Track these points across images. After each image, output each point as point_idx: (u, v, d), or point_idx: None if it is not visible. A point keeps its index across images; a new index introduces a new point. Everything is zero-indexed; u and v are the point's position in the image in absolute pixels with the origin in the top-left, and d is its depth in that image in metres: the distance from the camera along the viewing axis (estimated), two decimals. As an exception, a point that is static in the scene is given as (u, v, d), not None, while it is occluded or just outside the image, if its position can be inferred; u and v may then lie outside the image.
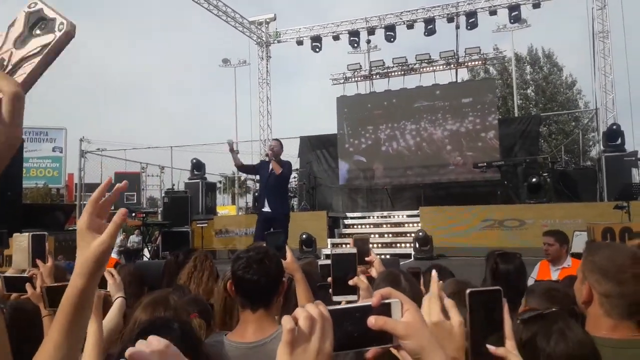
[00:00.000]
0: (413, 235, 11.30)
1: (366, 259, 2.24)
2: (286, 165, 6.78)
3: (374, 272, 2.27)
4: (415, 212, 12.64)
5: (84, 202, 15.69)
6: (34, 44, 0.60)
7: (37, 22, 0.62)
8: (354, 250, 1.61)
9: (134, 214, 11.64)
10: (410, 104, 15.46)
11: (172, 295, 2.01)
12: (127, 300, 2.62)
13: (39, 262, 2.32)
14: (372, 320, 0.66)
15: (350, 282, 1.53)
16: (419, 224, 11.81)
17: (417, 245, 10.81)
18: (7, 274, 2.31)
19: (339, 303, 1.47)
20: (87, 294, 0.86)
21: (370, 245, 2.43)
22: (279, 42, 18.76)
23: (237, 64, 20.62)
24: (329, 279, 1.56)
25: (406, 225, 12.69)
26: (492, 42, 24.08)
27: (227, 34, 57.04)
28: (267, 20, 18.55)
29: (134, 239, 13.96)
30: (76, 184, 16.11)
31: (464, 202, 12.26)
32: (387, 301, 0.69)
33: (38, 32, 0.61)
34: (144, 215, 12.17)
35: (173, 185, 15.66)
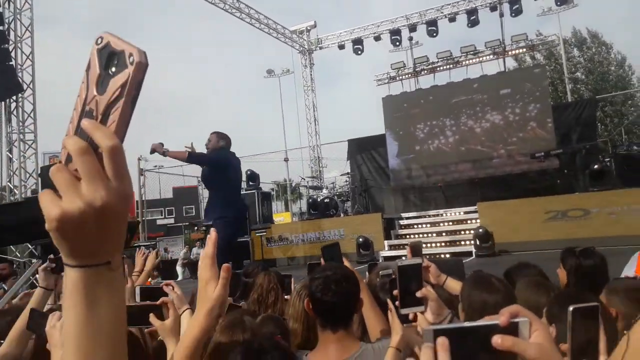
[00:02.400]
0: (472, 232, 11.12)
1: (422, 265, 2.24)
2: (207, 158, 5.58)
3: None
4: (472, 208, 12.38)
5: (146, 218, 16.39)
6: (113, 85, 0.55)
7: (109, 58, 0.57)
8: (419, 260, 1.56)
9: (196, 227, 12.07)
10: (459, 97, 15.23)
11: (246, 316, 2.00)
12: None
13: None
14: (499, 340, 0.61)
15: (419, 294, 1.48)
16: (478, 220, 11.61)
17: (478, 243, 10.63)
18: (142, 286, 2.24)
19: (407, 316, 1.50)
20: (208, 334, 1.09)
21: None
22: (320, 48, 18.94)
23: (281, 74, 20.93)
24: (395, 292, 1.52)
25: (464, 222, 12.48)
26: (535, 28, 23.26)
27: (270, 46, 58.03)
28: (308, 27, 18.76)
29: (197, 251, 14.45)
30: (137, 201, 16.84)
31: (522, 194, 11.93)
32: (515, 320, 0.64)
33: (113, 69, 0.56)
34: (205, 227, 12.59)
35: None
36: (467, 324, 0.65)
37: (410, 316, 1.50)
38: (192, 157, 5.32)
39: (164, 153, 5.32)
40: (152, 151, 5.52)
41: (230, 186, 5.68)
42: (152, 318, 1.61)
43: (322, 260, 2.54)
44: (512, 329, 0.63)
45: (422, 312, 1.50)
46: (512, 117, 14.41)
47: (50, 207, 0.52)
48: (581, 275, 2.71)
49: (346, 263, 2.57)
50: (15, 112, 11.23)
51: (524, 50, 16.56)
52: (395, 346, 1.63)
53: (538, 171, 13.51)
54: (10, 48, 11.02)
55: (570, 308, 1.07)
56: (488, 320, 0.64)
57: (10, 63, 10.77)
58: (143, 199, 16.40)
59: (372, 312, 2.08)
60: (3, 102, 11.08)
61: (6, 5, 11.46)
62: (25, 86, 11.25)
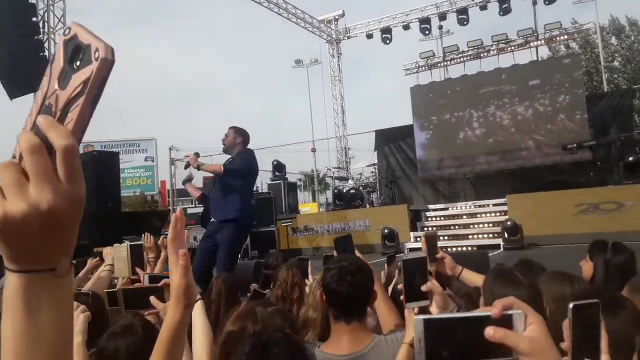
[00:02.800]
0: (501, 225, 10.93)
1: (437, 256, 2.19)
2: (236, 162, 5.36)
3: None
4: (502, 200, 12.12)
5: (177, 207, 16.72)
6: (75, 80, 0.52)
7: (75, 52, 0.53)
8: (424, 254, 1.55)
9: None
10: (488, 86, 14.93)
11: (259, 307, 2.02)
12: (218, 310, 2.70)
13: (138, 270, 2.51)
14: (491, 332, 0.60)
15: (424, 288, 1.47)
16: (507, 213, 11.40)
17: (506, 235, 10.44)
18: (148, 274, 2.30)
19: (412, 310, 1.50)
20: (182, 325, 1.00)
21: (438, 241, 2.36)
22: (348, 38, 18.82)
23: (309, 64, 20.96)
24: (400, 286, 1.51)
25: (492, 214, 12.28)
26: (570, 16, 22.60)
27: (298, 35, 58.32)
28: (336, 17, 18.63)
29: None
30: (168, 190, 17.21)
31: (553, 187, 11.65)
32: (508, 312, 0.62)
33: (78, 64, 0.53)
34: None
35: (257, 187, 16.24)
36: (458, 314, 0.65)
37: (416, 310, 1.49)
38: (227, 171, 5.21)
39: (199, 167, 5.37)
40: (187, 166, 5.63)
41: (248, 192, 5.64)
42: (154, 300, 1.60)
43: (334, 252, 2.56)
44: (505, 321, 0.61)
45: (427, 306, 1.49)
46: (544, 107, 14.07)
47: None
48: (610, 270, 2.64)
49: (358, 255, 2.62)
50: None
51: (559, 39, 16.08)
52: (409, 342, 1.61)
53: (570, 163, 13.16)
54: (44, 39, 11.34)
55: (571, 305, 1.04)
56: (481, 311, 0.63)
57: (44, 54, 11.09)
58: (174, 188, 16.72)
59: (384, 305, 2.06)
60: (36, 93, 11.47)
61: (39, -3, 11.78)
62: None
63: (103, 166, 11.57)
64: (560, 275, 2.09)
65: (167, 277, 1.77)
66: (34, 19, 11.15)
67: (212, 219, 5.41)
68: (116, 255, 2.83)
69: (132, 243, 2.70)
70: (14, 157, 0.53)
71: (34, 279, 0.51)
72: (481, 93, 14.92)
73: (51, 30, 11.90)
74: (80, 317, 1.59)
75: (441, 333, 0.61)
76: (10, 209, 0.48)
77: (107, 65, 0.52)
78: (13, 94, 10.93)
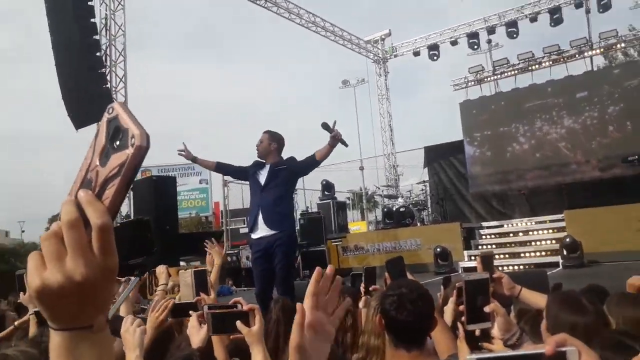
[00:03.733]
0: (559, 242, 10.51)
1: (493, 276, 2.11)
2: (290, 164, 4.92)
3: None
4: (559, 216, 11.66)
5: (230, 227, 17.14)
6: (114, 161, 0.55)
7: (115, 132, 0.56)
8: (487, 275, 1.54)
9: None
10: (541, 99, 14.52)
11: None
12: (277, 339, 2.71)
13: (202, 295, 2.62)
14: None
15: (487, 309, 1.44)
16: (565, 229, 10.96)
17: (565, 253, 10.02)
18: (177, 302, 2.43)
19: (473, 332, 1.48)
20: None
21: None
22: (395, 56, 18.87)
23: (356, 84, 21.14)
24: (461, 307, 1.49)
25: (550, 231, 11.83)
26: (626, 22, 21.68)
27: (344, 57, 58.91)
28: (382, 37, 18.77)
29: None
30: (222, 211, 17.65)
31: (614, 201, 11.09)
32: (562, 349, 0.61)
33: (117, 144, 0.55)
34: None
35: (307, 207, 16.44)
36: (511, 352, 0.68)
37: (477, 332, 1.48)
38: (300, 169, 4.97)
39: (194, 160, 5.07)
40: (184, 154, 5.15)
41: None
42: (239, 324, 1.63)
43: (387, 275, 2.54)
44: (559, 359, 0.61)
45: (489, 329, 1.47)
46: (601, 118, 13.49)
47: (33, 276, 0.55)
48: None
49: (410, 277, 2.55)
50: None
51: (616, 47, 15.47)
52: None
53: (631, 176, 12.51)
54: (106, 72, 12.08)
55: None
56: (533, 348, 0.64)
57: (107, 86, 11.81)
58: (227, 208, 17.15)
59: (440, 330, 1.99)
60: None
61: (103, 32, 12.59)
62: (119, 107, 12.27)
63: (161, 190, 12.06)
64: (631, 297, 2.00)
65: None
66: (98, 53, 11.91)
67: (257, 233, 4.81)
68: (182, 280, 2.94)
69: (196, 269, 2.82)
70: (48, 229, 0.58)
71: (74, 336, 0.56)
72: (532, 106, 14.52)
73: (113, 63, 12.66)
74: (137, 332, 1.67)
75: None
76: (47, 279, 0.54)
77: (142, 152, 0.54)
78: (79, 124, 11.66)
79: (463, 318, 1.48)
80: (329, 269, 0.86)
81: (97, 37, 12.02)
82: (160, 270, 3.44)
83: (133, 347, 1.65)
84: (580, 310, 1.76)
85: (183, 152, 5.12)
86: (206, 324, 1.93)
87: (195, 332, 1.95)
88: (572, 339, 0.63)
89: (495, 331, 1.45)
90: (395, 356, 1.80)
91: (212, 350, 1.95)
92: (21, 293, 3.48)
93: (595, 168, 13.39)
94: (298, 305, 0.86)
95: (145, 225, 8.47)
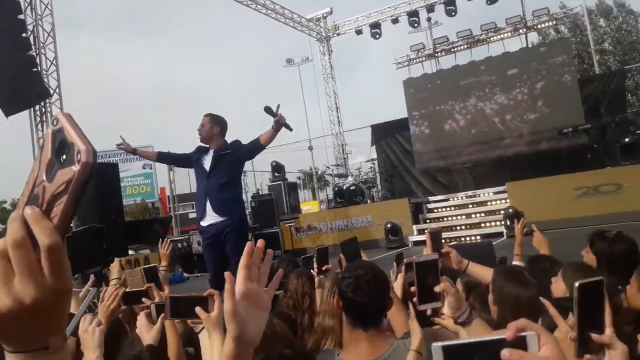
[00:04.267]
0: (502, 212, 11.05)
1: (442, 251, 2.19)
2: (235, 148, 4.81)
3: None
4: (501, 187, 12.27)
5: (178, 213, 16.75)
6: (60, 177, 0.52)
7: (61, 146, 0.53)
8: (436, 256, 1.55)
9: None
10: (480, 75, 15.04)
11: (275, 320, 2.01)
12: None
13: (152, 286, 2.55)
14: (507, 354, 0.61)
15: (437, 289, 1.47)
16: (507, 200, 11.52)
17: (509, 223, 10.55)
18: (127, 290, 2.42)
19: (425, 311, 1.51)
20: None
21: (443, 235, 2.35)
22: (338, 34, 18.86)
23: (300, 62, 20.99)
24: (412, 288, 1.50)
25: (493, 202, 12.40)
26: (558, 1, 22.72)
27: (287, 35, 58.38)
28: (324, 15, 18.67)
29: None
30: (168, 196, 17.19)
31: (552, 172, 11.76)
32: (522, 334, 0.64)
33: (63, 158, 0.53)
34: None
35: (258, 189, 16.31)
36: (474, 339, 0.66)
37: (429, 311, 1.51)
38: (249, 152, 4.92)
39: (134, 152, 5.14)
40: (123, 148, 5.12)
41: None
42: (199, 310, 1.60)
43: (341, 256, 2.62)
44: (520, 343, 0.63)
45: (440, 307, 1.50)
46: (536, 92, 14.17)
47: None
48: (612, 261, 2.65)
49: (364, 257, 2.66)
50: (44, 117, 11.56)
51: (548, 24, 16.18)
52: (416, 349, 1.63)
53: (567, 147, 13.29)
54: (35, 55, 11.30)
55: (576, 284, 1.14)
56: (495, 334, 0.65)
57: (36, 69, 11.06)
58: (174, 193, 16.73)
59: (395, 308, 2.03)
60: (32, 109, 11.41)
61: (27, 12, 11.72)
62: (52, 91, 11.56)
63: (103, 178, 11.54)
64: (583, 269, 2.09)
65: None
66: (24, 34, 11.10)
67: (206, 220, 4.71)
68: (131, 281, 2.82)
69: (145, 266, 2.71)
70: None
71: (29, 357, 0.53)
72: (475, 81, 15.01)
73: (41, 44, 11.85)
74: (96, 331, 1.62)
75: (460, 359, 0.62)
76: None
77: (89, 169, 0.51)
78: (9, 111, 10.90)
79: (415, 299, 1.50)
80: (260, 242, 0.89)
81: (21, 16, 11.19)
82: (113, 264, 3.32)
83: (92, 347, 1.60)
84: (523, 284, 1.83)
85: (122, 145, 5.01)
86: (157, 319, 1.94)
87: (146, 330, 1.91)
88: (532, 324, 0.65)
89: (446, 309, 1.49)
90: (352, 336, 1.83)
91: (165, 348, 1.92)
92: None
93: (538, 140, 14.06)
94: (226, 273, 0.90)
95: (99, 233, 8.10)
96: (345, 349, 1.86)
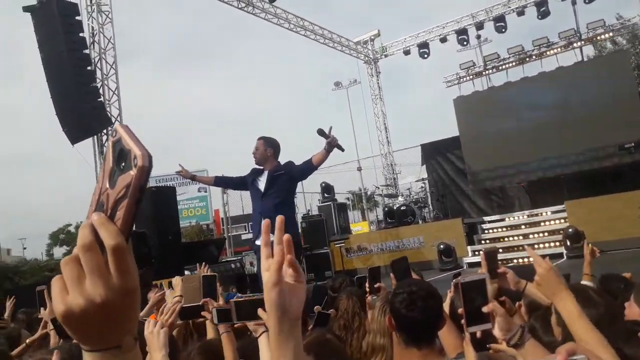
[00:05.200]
0: (562, 232, 10.60)
1: (498, 271, 2.11)
2: (288, 169, 4.95)
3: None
4: (560, 207, 11.76)
5: (231, 234, 17.10)
6: (120, 183, 0.56)
7: (120, 154, 0.58)
8: (483, 275, 1.49)
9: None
10: (534, 92, 14.64)
11: (330, 335, 2.07)
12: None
13: (209, 300, 2.59)
14: None
15: (485, 309, 1.42)
16: (567, 220, 11.06)
17: (569, 243, 10.11)
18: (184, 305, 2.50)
19: (474, 334, 1.46)
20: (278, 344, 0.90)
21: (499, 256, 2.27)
22: (386, 56, 18.94)
23: (348, 85, 21.17)
24: (460, 310, 1.46)
25: (552, 222, 11.92)
26: (614, 11, 21.91)
27: (335, 59, 59.31)
28: (372, 37, 18.82)
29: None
30: (222, 218, 17.59)
31: (613, 189, 11.19)
32: (573, 358, 0.64)
33: (123, 165, 0.57)
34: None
35: (308, 210, 16.44)
36: None
37: (478, 334, 1.47)
38: (300, 173, 5.00)
39: (193, 178, 5.24)
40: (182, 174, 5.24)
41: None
42: (261, 311, 1.63)
43: (392, 275, 2.56)
44: None
45: (490, 329, 1.45)
46: (594, 107, 13.60)
47: (57, 302, 0.56)
48: None
49: (414, 276, 2.62)
50: (106, 145, 12.22)
51: (604, 36, 15.62)
52: None
53: (629, 164, 12.64)
54: (98, 85, 12.03)
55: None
56: (548, 358, 0.71)
57: (100, 99, 11.75)
58: (227, 215, 17.12)
59: (448, 331, 2.01)
60: (96, 137, 12.10)
61: (92, 47, 12.54)
62: (113, 119, 12.23)
63: (162, 201, 12.01)
64: None
65: None
66: (89, 67, 11.85)
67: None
68: (187, 286, 2.88)
69: (206, 274, 2.77)
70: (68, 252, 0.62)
71: (104, 356, 0.57)
72: (527, 98, 14.63)
73: (104, 77, 12.60)
74: (160, 333, 1.71)
75: None
76: (70, 304, 0.55)
77: (145, 172, 0.55)
78: (75, 139, 11.60)
79: (463, 321, 1.46)
80: (279, 218, 0.89)
81: (87, 51, 11.97)
82: (177, 281, 3.46)
83: (158, 348, 1.68)
84: (588, 304, 1.75)
85: (181, 172, 5.21)
86: (218, 324, 2.00)
87: (155, 339, 1.86)
88: (582, 348, 0.67)
89: (496, 331, 1.44)
90: (405, 355, 1.81)
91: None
92: (41, 309, 3.51)
93: (590, 158, 13.48)
94: (281, 237, 0.87)
95: (141, 237, 8.44)
96: None
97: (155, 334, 1.71)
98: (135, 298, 0.58)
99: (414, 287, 1.84)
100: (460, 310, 1.46)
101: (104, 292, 0.55)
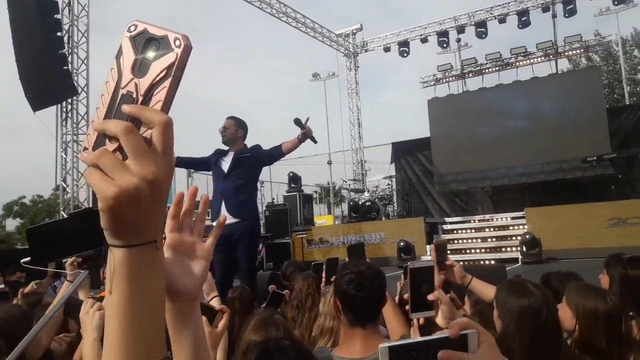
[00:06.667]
0: (519, 238, 10.74)
1: (446, 263, 2.17)
2: (255, 152, 4.87)
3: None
4: (520, 213, 11.97)
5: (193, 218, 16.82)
6: (157, 67, 0.58)
7: (146, 44, 0.59)
8: (432, 263, 1.49)
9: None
10: (507, 99, 14.80)
11: (277, 315, 2.05)
12: (232, 325, 2.69)
13: None
14: (444, 355, 0.64)
15: (430, 297, 1.43)
16: (525, 226, 11.21)
17: (525, 249, 10.25)
18: None
19: (421, 320, 1.46)
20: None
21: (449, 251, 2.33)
22: (366, 51, 18.87)
23: (326, 77, 21.08)
24: (406, 295, 1.45)
25: (511, 228, 12.09)
26: (592, 28, 22.38)
27: (316, 50, 59.29)
28: (354, 31, 18.73)
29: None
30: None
31: (573, 200, 11.40)
32: (464, 332, 0.66)
33: (152, 54, 0.59)
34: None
35: (273, 199, 16.30)
36: (419, 338, 0.69)
37: (421, 321, 1.46)
38: (271, 157, 4.92)
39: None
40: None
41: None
42: (205, 321, 1.54)
43: (347, 259, 2.58)
44: (461, 341, 0.66)
45: (433, 317, 1.46)
46: (563, 120, 13.82)
47: (105, 186, 0.53)
48: (626, 283, 2.56)
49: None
50: (70, 115, 11.82)
51: (579, 51, 15.89)
52: None
53: (590, 177, 12.90)
54: (67, 53, 11.61)
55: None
56: (439, 333, 0.67)
57: (66, 67, 11.34)
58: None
59: (393, 313, 2.06)
60: (59, 105, 11.68)
61: (64, 12, 12.09)
62: (80, 89, 11.83)
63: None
64: (593, 290, 2.03)
65: None
66: (59, 33, 11.42)
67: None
68: None
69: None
70: (85, 148, 0.58)
71: (139, 252, 0.56)
72: (500, 105, 14.77)
73: (74, 44, 12.18)
74: (96, 315, 1.65)
75: (406, 358, 0.64)
76: (123, 184, 0.53)
77: (188, 50, 0.59)
78: (37, 106, 11.18)
79: (407, 307, 1.44)
80: (191, 188, 0.81)
81: (58, 16, 11.54)
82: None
83: (91, 329, 1.63)
84: (526, 294, 1.79)
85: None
86: None
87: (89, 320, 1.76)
88: (473, 323, 0.68)
89: (439, 319, 1.44)
90: (349, 334, 1.82)
91: None
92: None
93: (554, 170, 13.71)
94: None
95: (95, 215, 8.22)
96: (340, 346, 1.86)
97: (90, 314, 1.65)
98: (171, 179, 0.58)
99: (361, 267, 1.86)
100: (406, 296, 1.46)
101: (154, 168, 0.55)
